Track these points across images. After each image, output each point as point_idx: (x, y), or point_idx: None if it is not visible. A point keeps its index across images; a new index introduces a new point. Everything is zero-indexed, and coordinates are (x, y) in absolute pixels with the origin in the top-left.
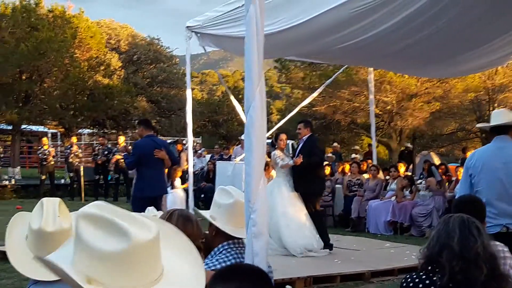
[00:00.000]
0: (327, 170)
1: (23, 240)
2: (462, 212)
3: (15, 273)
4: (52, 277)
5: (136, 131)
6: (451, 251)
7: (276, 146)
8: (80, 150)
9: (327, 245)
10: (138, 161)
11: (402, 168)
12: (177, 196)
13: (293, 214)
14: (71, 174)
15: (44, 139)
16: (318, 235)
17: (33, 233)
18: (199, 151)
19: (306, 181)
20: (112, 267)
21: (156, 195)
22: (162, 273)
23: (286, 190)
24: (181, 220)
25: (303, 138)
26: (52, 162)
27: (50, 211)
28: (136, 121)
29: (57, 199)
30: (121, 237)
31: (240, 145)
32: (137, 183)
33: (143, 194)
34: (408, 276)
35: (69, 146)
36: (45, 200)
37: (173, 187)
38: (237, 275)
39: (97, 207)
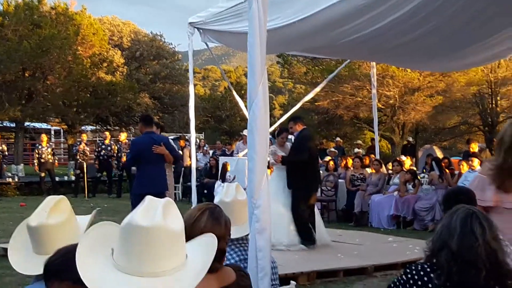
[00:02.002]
0: (331, 164)
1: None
2: (453, 202)
3: None
4: (39, 271)
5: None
6: (450, 250)
7: (276, 141)
8: (87, 148)
9: (308, 240)
10: (136, 158)
11: (407, 162)
12: None
13: (277, 211)
14: (78, 171)
15: (43, 136)
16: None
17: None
18: (204, 148)
19: (297, 177)
20: (117, 240)
21: (156, 191)
22: (161, 274)
23: (276, 186)
24: (209, 223)
25: (295, 133)
26: (50, 160)
27: (43, 207)
28: (139, 117)
29: (60, 197)
30: (129, 216)
31: (242, 140)
32: (136, 180)
33: (143, 191)
34: (413, 265)
35: (77, 144)
36: (48, 198)
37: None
38: None
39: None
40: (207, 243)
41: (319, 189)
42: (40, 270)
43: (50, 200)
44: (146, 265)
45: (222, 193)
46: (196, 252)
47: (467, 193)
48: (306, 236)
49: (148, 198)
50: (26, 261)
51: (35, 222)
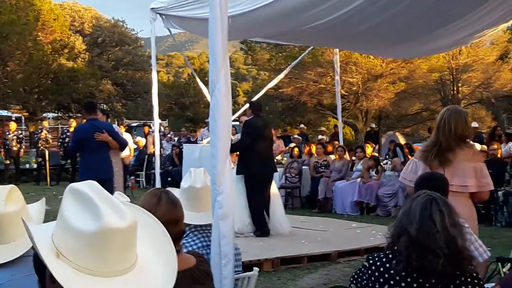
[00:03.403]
0: (295, 151)
1: None
2: (426, 188)
3: None
4: (8, 257)
5: None
6: (409, 236)
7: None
8: (49, 136)
9: (260, 231)
10: (78, 145)
11: (369, 149)
12: None
13: None
14: (39, 159)
15: (12, 124)
16: (249, 219)
17: None
18: (169, 135)
19: (240, 163)
20: (81, 246)
21: (99, 178)
22: (133, 265)
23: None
24: (169, 207)
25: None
26: (15, 148)
27: None
28: (102, 105)
29: (10, 186)
30: (94, 218)
31: (206, 128)
32: (80, 168)
33: (85, 178)
34: (375, 253)
35: (39, 131)
36: None
37: None
38: None
39: (87, 185)
40: (162, 248)
41: (283, 176)
42: (1, 259)
43: (2, 189)
44: (123, 263)
45: (191, 179)
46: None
47: (440, 179)
48: (259, 226)
49: (87, 194)
50: None
51: None
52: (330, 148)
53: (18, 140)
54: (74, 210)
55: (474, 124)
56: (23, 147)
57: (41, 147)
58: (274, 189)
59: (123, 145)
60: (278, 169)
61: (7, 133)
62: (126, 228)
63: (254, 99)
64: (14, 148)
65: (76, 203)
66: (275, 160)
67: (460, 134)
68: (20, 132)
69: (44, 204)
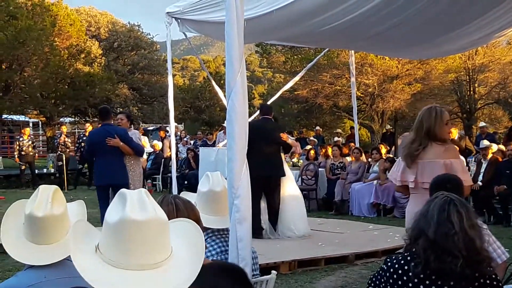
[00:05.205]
0: (311, 153)
1: (21, 226)
2: (441, 190)
3: None
4: (43, 261)
5: None
6: (427, 238)
7: None
8: (68, 140)
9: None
10: (91, 150)
11: (383, 149)
12: None
13: None
14: (60, 163)
15: (26, 130)
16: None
17: (25, 218)
18: (185, 139)
19: None
20: (106, 236)
21: (111, 184)
22: (157, 265)
23: None
24: (190, 211)
25: None
26: (31, 153)
27: (43, 197)
28: (119, 109)
29: (54, 187)
30: (119, 211)
31: (223, 131)
32: (94, 172)
33: (101, 183)
34: (393, 255)
35: (58, 136)
36: (41, 187)
37: None
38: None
39: (137, 190)
40: (187, 229)
41: (300, 179)
42: (38, 261)
43: (47, 189)
44: (144, 258)
45: (210, 182)
46: (177, 240)
47: (454, 181)
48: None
49: (125, 192)
50: (22, 248)
51: (42, 212)
52: (346, 150)
53: (32, 145)
54: (111, 206)
55: (482, 124)
56: (36, 151)
57: (59, 152)
58: (295, 191)
59: (138, 150)
60: (295, 171)
61: (21, 138)
62: (143, 221)
63: (270, 101)
64: (30, 153)
65: (116, 200)
66: (277, 164)
67: (433, 133)
68: (32, 136)
69: (84, 206)
